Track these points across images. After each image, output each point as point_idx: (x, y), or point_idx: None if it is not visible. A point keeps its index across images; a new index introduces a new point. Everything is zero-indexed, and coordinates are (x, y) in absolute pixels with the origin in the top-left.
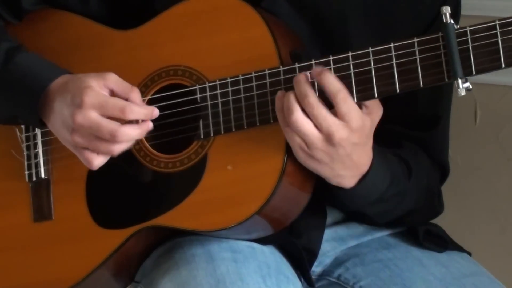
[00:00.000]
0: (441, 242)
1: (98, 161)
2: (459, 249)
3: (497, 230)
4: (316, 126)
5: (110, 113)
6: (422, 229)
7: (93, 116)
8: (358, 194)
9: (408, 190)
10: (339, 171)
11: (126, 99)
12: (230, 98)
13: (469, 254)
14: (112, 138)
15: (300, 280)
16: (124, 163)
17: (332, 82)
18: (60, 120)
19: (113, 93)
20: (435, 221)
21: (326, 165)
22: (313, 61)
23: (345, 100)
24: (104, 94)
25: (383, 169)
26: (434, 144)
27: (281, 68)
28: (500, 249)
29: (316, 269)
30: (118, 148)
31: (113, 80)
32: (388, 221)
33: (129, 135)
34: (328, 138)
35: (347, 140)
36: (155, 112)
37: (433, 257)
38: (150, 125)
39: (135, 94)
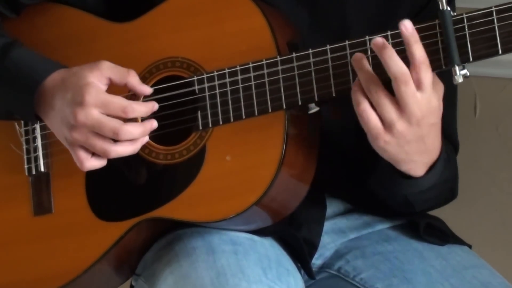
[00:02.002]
0: (442, 236)
1: (90, 163)
2: (460, 242)
3: (498, 223)
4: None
5: (112, 113)
6: (423, 223)
7: (95, 114)
8: (420, 183)
9: (449, 175)
10: (413, 156)
11: (125, 84)
12: (228, 88)
13: (469, 246)
14: (115, 136)
15: (300, 272)
16: (124, 156)
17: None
18: (60, 117)
19: (111, 81)
20: (436, 213)
21: (401, 149)
22: (310, 50)
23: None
24: (105, 92)
25: (443, 157)
26: (446, 125)
27: (279, 58)
28: (501, 242)
29: (317, 261)
30: (115, 151)
31: (108, 68)
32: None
33: (131, 133)
34: (408, 116)
35: (427, 119)
36: (155, 106)
37: (433, 250)
38: (154, 124)
39: (132, 78)
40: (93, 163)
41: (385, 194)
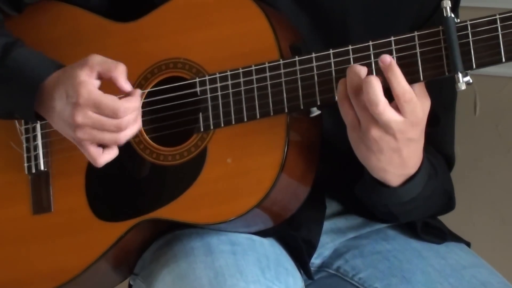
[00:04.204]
0: (439, 234)
1: (103, 158)
2: (458, 239)
3: (497, 221)
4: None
5: (105, 114)
6: (420, 222)
7: (92, 114)
8: (398, 194)
9: (435, 189)
10: (386, 165)
11: (109, 78)
12: (230, 91)
13: (468, 244)
14: (118, 129)
15: (300, 272)
16: (124, 156)
17: (400, 81)
18: (62, 119)
19: (100, 75)
20: None
21: (373, 154)
22: (313, 54)
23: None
24: (97, 90)
25: (426, 172)
26: (440, 137)
27: (281, 62)
28: (500, 240)
29: (316, 261)
30: (124, 136)
31: (96, 62)
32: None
33: (131, 123)
34: (386, 126)
35: (403, 133)
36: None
37: (432, 249)
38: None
39: (118, 72)
40: (106, 158)
41: (369, 202)
